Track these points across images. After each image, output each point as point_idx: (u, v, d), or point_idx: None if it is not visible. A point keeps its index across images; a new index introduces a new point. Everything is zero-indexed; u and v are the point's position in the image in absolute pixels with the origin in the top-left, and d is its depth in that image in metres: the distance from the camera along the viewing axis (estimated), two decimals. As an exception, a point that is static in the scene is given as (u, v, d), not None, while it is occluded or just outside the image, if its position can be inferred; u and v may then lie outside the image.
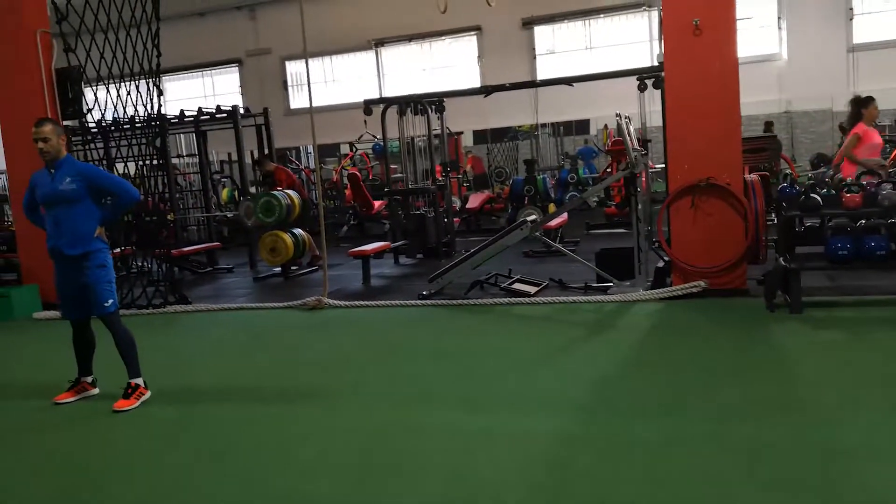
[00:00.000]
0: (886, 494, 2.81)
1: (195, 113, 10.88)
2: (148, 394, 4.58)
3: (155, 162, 7.89)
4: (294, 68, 18.83)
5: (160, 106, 7.76)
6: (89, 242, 4.51)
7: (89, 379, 4.77)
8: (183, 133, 12.95)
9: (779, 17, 15.08)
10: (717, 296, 6.31)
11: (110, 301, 4.53)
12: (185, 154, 13.92)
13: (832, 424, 3.48)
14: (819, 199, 5.75)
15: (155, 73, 7.54)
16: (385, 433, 3.81)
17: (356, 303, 7.23)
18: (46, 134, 4.47)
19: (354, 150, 16.10)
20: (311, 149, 15.95)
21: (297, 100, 18.81)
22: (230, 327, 6.85)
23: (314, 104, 7.58)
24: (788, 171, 11.56)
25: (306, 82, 7.31)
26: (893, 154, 10.01)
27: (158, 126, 7.94)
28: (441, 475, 3.27)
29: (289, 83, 19.00)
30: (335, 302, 7.22)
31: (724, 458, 3.20)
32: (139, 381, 4.57)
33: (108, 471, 3.63)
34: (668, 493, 2.95)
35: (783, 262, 5.71)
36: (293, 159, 16.13)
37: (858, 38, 14.65)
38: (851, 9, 14.64)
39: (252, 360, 5.65)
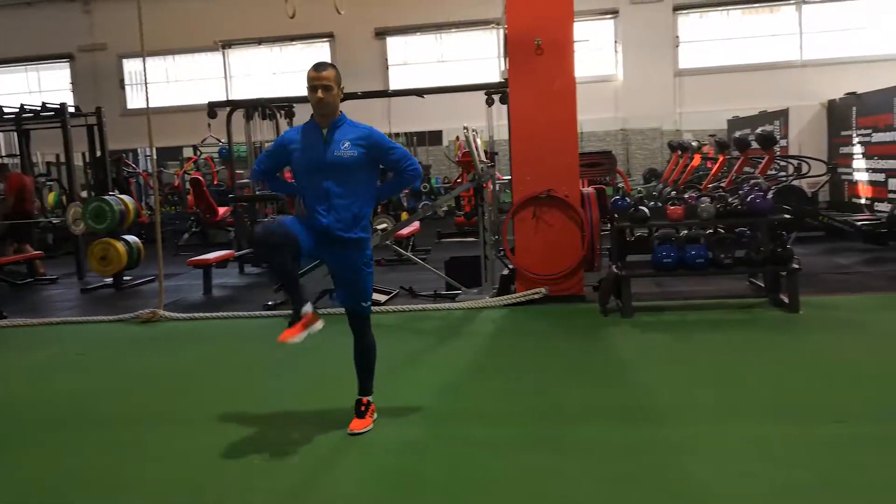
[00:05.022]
0: (710, 486, 3.03)
1: (17, 110, 9.97)
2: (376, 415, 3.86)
3: (-34, 161, 7.15)
4: (132, 66, 17.76)
5: (-28, 100, 7.05)
6: (365, 227, 3.71)
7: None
8: (2, 131, 11.83)
9: (615, 41, 16.09)
10: (557, 302, 6.59)
11: (370, 301, 3.82)
12: (4, 154, 12.73)
13: (661, 423, 3.71)
14: (647, 210, 6.16)
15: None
16: (227, 452, 3.64)
17: (196, 315, 6.89)
18: (329, 81, 3.56)
19: (199, 153, 15.42)
20: (149, 151, 15.14)
21: (136, 100, 17.74)
22: (51, 344, 6.31)
23: (155, 105, 7.17)
24: (622, 184, 12.33)
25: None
26: (713, 171, 10.92)
27: (-30, 122, 7.20)
28: (287, 490, 3.18)
29: (126, 82, 17.90)
30: (172, 314, 6.84)
31: (565, 458, 3.34)
32: (371, 398, 3.89)
33: None
34: (514, 494, 3.03)
35: (615, 270, 6.06)
36: (129, 162, 15.18)
37: (683, 63, 15.94)
38: (677, 36, 15.90)
39: (74, 380, 5.22)
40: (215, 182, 15.02)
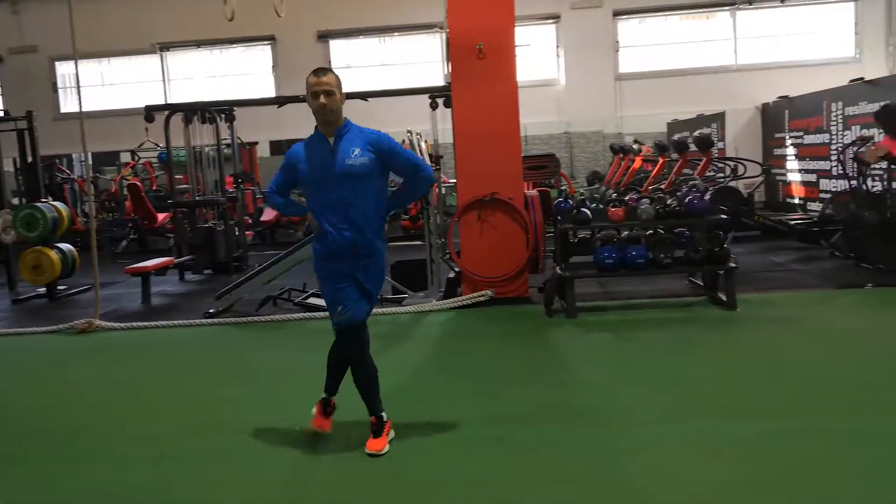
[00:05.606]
0: (654, 483, 3.08)
1: (-60, 113, 9.56)
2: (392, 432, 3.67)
3: None
4: (66, 69, 17.21)
5: None
6: (382, 236, 3.59)
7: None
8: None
9: (557, 46, 16.30)
10: (503, 304, 6.62)
11: (369, 309, 3.67)
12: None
13: (606, 422, 3.75)
14: (589, 213, 6.25)
15: None
16: (176, 465, 3.56)
17: (134, 324, 6.70)
18: (331, 86, 3.40)
19: (137, 158, 15.03)
20: (84, 157, 14.72)
21: (70, 103, 17.20)
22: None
23: (90, 108, 6.96)
24: (566, 186, 12.48)
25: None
26: (653, 173, 11.14)
27: None
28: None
29: (59, 85, 17.33)
30: (109, 324, 6.63)
31: (512, 460, 3.36)
32: (384, 414, 3.65)
33: None
34: (461, 497, 3.04)
35: (559, 271, 6.13)
36: (63, 167, 14.69)
37: (623, 67, 16.24)
38: (618, 41, 16.20)
39: (8, 394, 5.02)
40: (154, 187, 14.66)
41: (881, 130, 7.68)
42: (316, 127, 3.56)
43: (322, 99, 3.41)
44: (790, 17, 15.91)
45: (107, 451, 3.76)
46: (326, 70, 3.51)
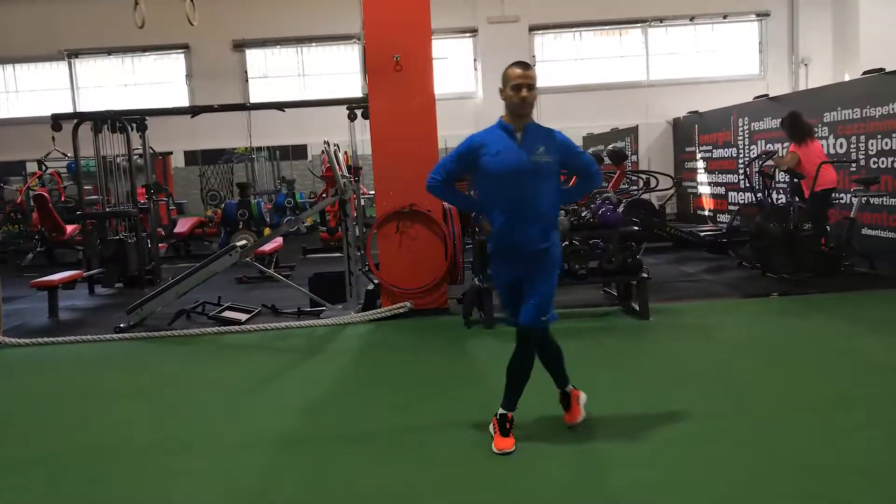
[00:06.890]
0: (567, 487, 3.15)
1: None
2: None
3: None
4: (-35, 75, 16.39)
5: None
6: (554, 234, 3.55)
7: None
8: None
9: (474, 59, 16.54)
10: (422, 315, 6.64)
11: (550, 313, 3.54)
12: None
13: (520, 431, 3.71)
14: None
15: None
16: (70, 482, 3.41)
17: (40, 340, 6.40)
18: (533, 80, 3.43)
19: (44, 168, 14.40)
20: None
21: (-30, 111, 16.38)
22: None
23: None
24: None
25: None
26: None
27: None
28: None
29: (-42, 91, 16.49)
30: (13, 340, 6.32)
31: (427, 471, 3.37)
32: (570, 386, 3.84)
33: None
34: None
35: (478, 283, 6.20)
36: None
37: (540, 81, 16.57)
38: (534, 56, 16.56)
39: None
40: (63, 199, 14.08)
41: (788, 139, 8.06)
42: (501, 118, 3.57)
43: (524, 92, 3.44)
44: (699, 35, 16.65)
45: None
46: (528, 64, 3.53)
